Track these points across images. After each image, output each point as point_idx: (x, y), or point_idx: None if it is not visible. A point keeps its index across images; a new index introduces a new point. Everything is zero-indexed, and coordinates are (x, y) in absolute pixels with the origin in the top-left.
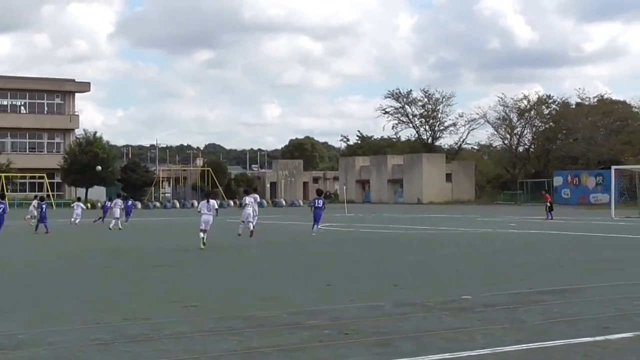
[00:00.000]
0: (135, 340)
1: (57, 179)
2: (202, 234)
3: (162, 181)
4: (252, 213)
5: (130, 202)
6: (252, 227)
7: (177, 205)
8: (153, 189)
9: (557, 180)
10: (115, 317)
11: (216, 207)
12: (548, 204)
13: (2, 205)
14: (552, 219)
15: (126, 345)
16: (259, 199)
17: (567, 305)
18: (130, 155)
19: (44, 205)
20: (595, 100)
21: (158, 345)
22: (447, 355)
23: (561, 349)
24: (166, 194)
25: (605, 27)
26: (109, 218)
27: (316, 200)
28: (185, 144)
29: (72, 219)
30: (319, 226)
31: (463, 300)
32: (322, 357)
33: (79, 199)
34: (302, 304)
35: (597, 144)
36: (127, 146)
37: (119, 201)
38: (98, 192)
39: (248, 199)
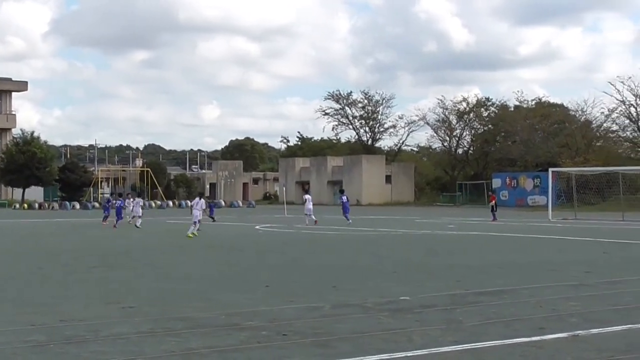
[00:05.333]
0: (72, 342)
1: None
2: (192, 227)
3: (101, 181)
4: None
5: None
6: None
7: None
8: (92, 189)
9: (496, 182)
10: (50, 319)
11: (204, 206)
12: (492, 204)
13: None
14: (495, 219)
15: (62, 346)
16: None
17: (504, 306)
18: (68, 156)
19: None
20: (534, 103)
21: (95, 347)
22: (384, 356)
23: (497, 350)
24: (105, 195)
25: (540, 31)
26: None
27: (342, 197)
28: (124, 144)
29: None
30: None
31: (401, 301)
32: (260, 358)
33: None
34: (240, 305)
35: (535, 147)
36: (65, 146)
37: (140, 200)
38: (35, 193)
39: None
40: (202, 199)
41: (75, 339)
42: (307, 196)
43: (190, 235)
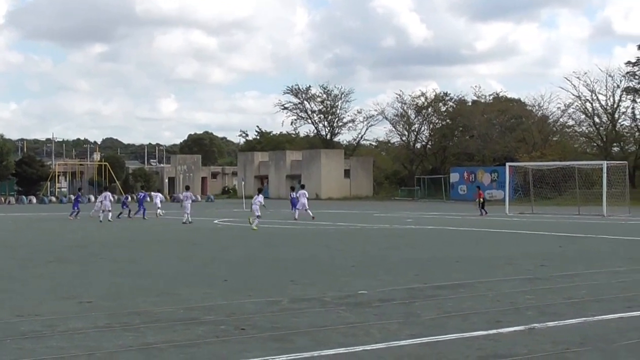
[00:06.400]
0: (28, 337)
1: None
2: (256, 220)
3: (59, 176)
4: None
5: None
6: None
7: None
8: (49, 183)
9: (454, 177)
10: (6, 314)
11: (262, 201)
12: (481, 200)
13: None
14: (486, 213)
15: (18, 342)
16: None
17: (461, 300)
18: (25, 150)
19: None
20: (491, 98)
21: (51, 342)
22: (342, 350)
23: (455, 343)
24: (62, 189)
25: (496, 27)
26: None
27: (291, 194)
28: (82, 138)
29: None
30: (297, 209)
31: (359, 295)
32: (218, 352)
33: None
34: (197, 299)
35: (493, 141)
36: (21, 140)
37: (108, 194)
38: None
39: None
40: (261, 195)
41: (32, 334)
42: (302, 191)
43: (255, 228)
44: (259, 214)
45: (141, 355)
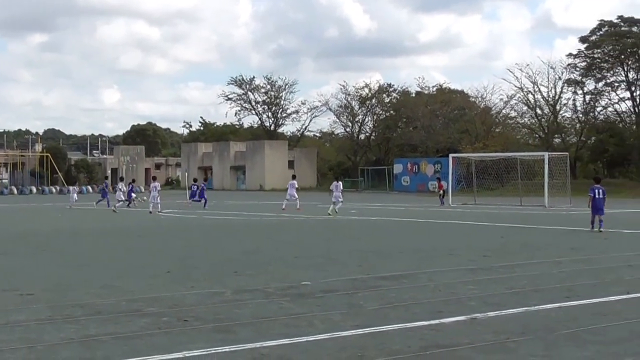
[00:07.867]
0: None
1: None
2: (334, 207)
3: None
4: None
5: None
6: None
7: (15, 191)
8: None
9: (397, 168)
10: None
11: (341, 188)
12: (441, 192)
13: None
14: (442, 204)
15: None
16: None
17: (403, 291)
18: None
19: None
20: (435, 89)
21: None
22: (285, 341)
23: (397, 333)
24: (3, 180)
25: (439, 18)
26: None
27: (193, 185)
28: (23, 129)
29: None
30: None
31: (302, 286)
32: (161, 344)
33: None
34: (140, 291)
35: (436, 132)
36: None
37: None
38: None
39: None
40: (340, 182)
41: None
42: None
43: (330, 213)
44: (342, 199)
45: (83, 347)
